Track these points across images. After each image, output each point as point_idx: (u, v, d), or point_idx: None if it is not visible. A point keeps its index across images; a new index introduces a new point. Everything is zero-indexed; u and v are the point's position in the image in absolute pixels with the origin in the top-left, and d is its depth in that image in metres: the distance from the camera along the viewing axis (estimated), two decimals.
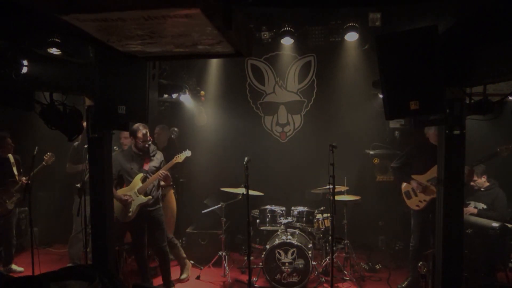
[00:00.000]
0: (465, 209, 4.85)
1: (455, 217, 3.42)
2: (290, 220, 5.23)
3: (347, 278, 5.21)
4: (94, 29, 1.62)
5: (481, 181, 5.13)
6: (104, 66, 3.12)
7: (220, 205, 5.55)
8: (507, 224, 4.66)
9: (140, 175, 4.72)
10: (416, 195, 4.91)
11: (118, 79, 3.14)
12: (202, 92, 6.64)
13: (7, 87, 2.97)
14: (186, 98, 6.39)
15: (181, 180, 6.34)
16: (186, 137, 6.71)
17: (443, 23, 3.05)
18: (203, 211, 5.78)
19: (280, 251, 4.89)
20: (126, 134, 5.08)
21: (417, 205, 4.89)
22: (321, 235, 5.44)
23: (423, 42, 2.88)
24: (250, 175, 4.41)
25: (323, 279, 5.12)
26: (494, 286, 4.63)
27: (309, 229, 5.35)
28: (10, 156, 5.53)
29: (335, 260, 4.76)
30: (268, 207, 5.38)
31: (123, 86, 3.17)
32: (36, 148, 4.75)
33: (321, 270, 5.23)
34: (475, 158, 4.93)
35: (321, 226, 5.42)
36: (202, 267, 5.58)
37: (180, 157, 4.95)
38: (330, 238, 4.64)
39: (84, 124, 3.52)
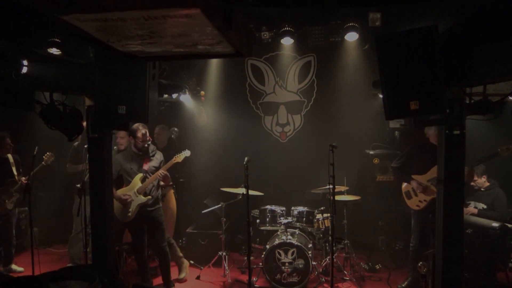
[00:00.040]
0: (465, 209, 4.85)
1: (455, 217, 3.42)
2: (290, 220, 5.23)
3: (347, 278, 5.21)
4: (94, 29, 1.62)
5: (481, 181, 5.13)
6: (104, 66, 3.12)
7: (220, 205, 5.55)
8: (507, 224, 4.66)
9: (140, 175, 4.72)
10: (416, 195, 4.91)
11: (118, 79, 3.14)
12: (202, 92, 6.64)
13: (7, 87, 2.97)
14: (186, 98, 6.39)
15: (181, 180, 6.34)
16: (186, 137, 6.71)
17: (443, 23, 3.05)
18: (203, 211, 5.78)
19: (280, 251, 4.89)
20: (122, 134, 5.04)
21: (417, 205, 4.89)
22: (321, 235, 5.44)
23: (423, 42, 2.88)
24: (250, 175, 4.41)
25: (323, 279, 5.12)
26: (494, 286, 4.63)
27: (309, 229, 5.35)
28: (10, 156, 5.54)
29: (335, 260, 4.76)
30: (268, 207, 5.38)
31: (123, 86, 3.17)
32: (36, 148, 4.75)
33: (321, 270, 5.23)
34: (475, 158, 4.93)
35: (321, 226, 5.42)
36: (202, 267, 5.58)
37: (180, 157, 4.94)
38: (330, 238, 4.64)
39: (84, 124, 3.52)
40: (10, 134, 5.58)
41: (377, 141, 6.51)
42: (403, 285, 4.97)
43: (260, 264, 5.02)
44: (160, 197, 4.96)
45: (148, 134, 4.74)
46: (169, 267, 4.96)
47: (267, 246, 5.02)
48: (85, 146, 4.06)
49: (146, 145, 4.72)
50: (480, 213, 4.98)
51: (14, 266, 5.63)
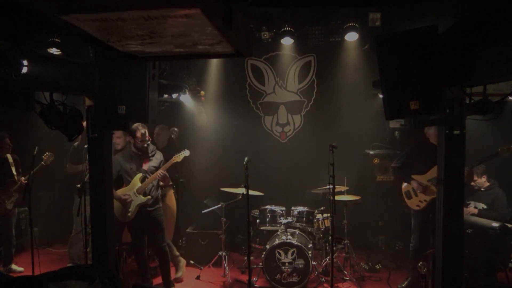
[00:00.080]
0: (465, 209, 4.86)
1: (455, 217, 3.42)
2: (290, 220, 5.23)
3: (347, 278, 5.20)
4: (94, 29, 1.62)
5: (481, 181, 5.13)
6: (104, 66, 3.12)
7: (220, 205, 5.54)
8: (507, 224, 4.66)
9: (139, 175, 4.72)
10: (416, 195, 4.91)
11: (118, 79, 3.14)
12: (202, 92, 6.64)
13: (7, 87, 2.97)
14: (186, 98, 6.39)
15: (181, 180, 6.33)
16: (186, 137, 6.71)
17: (443, 23, 3.05)
18: (203, 211, 5.78)
19: (280, 251, 4.89)
20: (118, 133, 5.03)
21: (418, 205, 4.89)
22: (321, 235, 5.44)
23: (423, 42, 2.88)
24: (250, 175, 4.41)
25: (323, 279, 5.12)
26: (494, 286, 4.63)
27: (309, 229, 5.35)
28: (9, 156, 5.53)
29: (335, 260, 4.76)
30: (268, 207, 5.38)
31: (123, 86, 3.17)
32: (36, 148, 4.75)
33: (321, 270, 5.23)
34: (475, 158, 4.92)
35: (321, 226, 5.42)
36: (202, 267, 5.58)
37: (179, 157, 4.94)
38: (330, 238, 4.64)
39: (84, 124, 3.52)
40: (10, 134, 5.58)
41: (377, 141, 6.51)
42: (403, 285, 4.97)
43: (260, 264, 5.02)
44: (160, 197, 4.96)
45: (147, 134, 4.74)
46: (169, 267, 4.96)
47: (267, 246, 5.02)
48: (85, 146, 4.06)
49: (145, 145, 4.72)
50: (480, 213, 4.98)
51: (14, 266, 5.63)
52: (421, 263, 3.84)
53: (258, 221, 5.39)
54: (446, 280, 3.42)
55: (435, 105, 2.93)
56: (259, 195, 5.52)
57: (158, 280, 5.13)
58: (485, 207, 5.04)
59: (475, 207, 5.08)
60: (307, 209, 5.28)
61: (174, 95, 5.71)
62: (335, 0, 4.47)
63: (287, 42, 5.75)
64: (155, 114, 3.45)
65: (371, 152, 6.40)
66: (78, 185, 4.34)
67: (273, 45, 6.21)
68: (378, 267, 5.64)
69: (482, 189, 5.14)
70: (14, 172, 5.51)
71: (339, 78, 6.51)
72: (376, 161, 6.35)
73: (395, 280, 5.22)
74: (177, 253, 5.47)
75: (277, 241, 4.95)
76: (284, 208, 5.38)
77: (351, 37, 5.40)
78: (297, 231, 5.21)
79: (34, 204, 4.88)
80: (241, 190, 5.11)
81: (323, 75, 6.78)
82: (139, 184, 4.68)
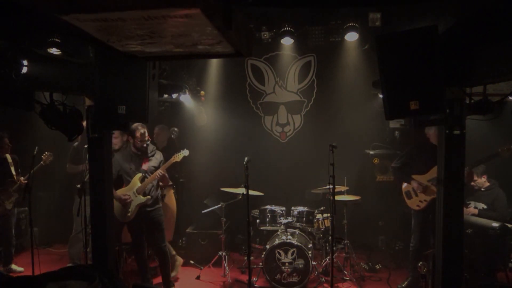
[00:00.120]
0: (466, 209, 4.86)
1: (455, 217, 3.42)
2: (290, 220, 5.23)
3: (347, 278, 5.20)
4: (94, 29, 1.62)
5: (481, 181, 5.13)
6: (104, 66, 3.12)
7: (220, 205, 5.55)
8: (507, 224, 4.66)
9: (139, 175, 4.71)
10: (416, 195, 4.91)
11: (118, 79, 3.14)
12: (202, 92, 6.64)
13: (7, 87, 2.96)
14: (186, 98, 6.38)
15: (181, 180, 6.34)
16: (186, 137, 6.71)
17: (443, 23, 3.05)
18: (203, 211, 5.78)
19: (280, 251, 4.89)
20: (115, 134, 5.01)
21: (418, 205, 4.89)
22: (321, 235, 5.44)
23: (423, 42, 2.88)
24: (250, 175, 4.41)
25: (323, 279, 5.12)
26: (494, 286, 4.63)
27: (309, 229, 5.35)
28: (8, 156, 5.53)
29: (335, 260, 4.76)
30: (268, 207, 5.38)
31: (123, 86, 3.17)
32: (36, 148, 4.75)
33: (321, 270, 5.23)
34: (475, 158, 4.92)
35: (321, 226, 5.42)
36: (202, 267, 5.58)
37: (178, 157, 4.93)
38: (330, 238, 4.64)
39: (84, 124, 3.52)
40: (9, 134, 5.58)
41: (377, 141, 6.51)
42: (403, 285, 4.97)
43: (260, 264, 5.02)
44: (160, 197, 4.95)
45: (147, 134, 4.73)
46: (169, 267, 4.96)
47: (267, 246, 5.02)
48: (85, 146, 4.06)
49: (144, 145, 4.72)
50: (480, 213, 4.98)
51: (14, 266, 5.63)
52: (421, 263, 3.84)
53: (258, 221, 5.39)
54: (446, 280, 3.42)
55: (435, 105, 2.93)
56: (259, 195, 5.52)
57: (158, 280, 5.13)
58: (485, 207, 5.04)
59: (475, 207, 5.08)
60: (307, 209, 5.28)
61: (174, 95, 5.72)
62: (335, 0, 4.47)
63: (287, 42, 5.75)
64: (155, 114, 3.45)
65: (371, 152, 6.40)
66: (78, 185, 4.33)
67: (273, 45, 6.21)
68: (378, 267, 5.64)
69: (482, 189, 5.14)
70: (13, 172, 5.51)
71: (339, 78, 6.51)
72: (376, 161, 6.35)
73: (395, 280, 5.22)
74: (174, 252, 5.47)
75: (277, 241, 4.95)
76: (284, 208, 5.38)
77: (351, 37, 5.40)
78: (297, 231, 5.21)
79: (34, 204, 4.89)
80: (241, 190, 5.11)
81: (323, 75, 6.78)
82: (139, 184, 4.68)
